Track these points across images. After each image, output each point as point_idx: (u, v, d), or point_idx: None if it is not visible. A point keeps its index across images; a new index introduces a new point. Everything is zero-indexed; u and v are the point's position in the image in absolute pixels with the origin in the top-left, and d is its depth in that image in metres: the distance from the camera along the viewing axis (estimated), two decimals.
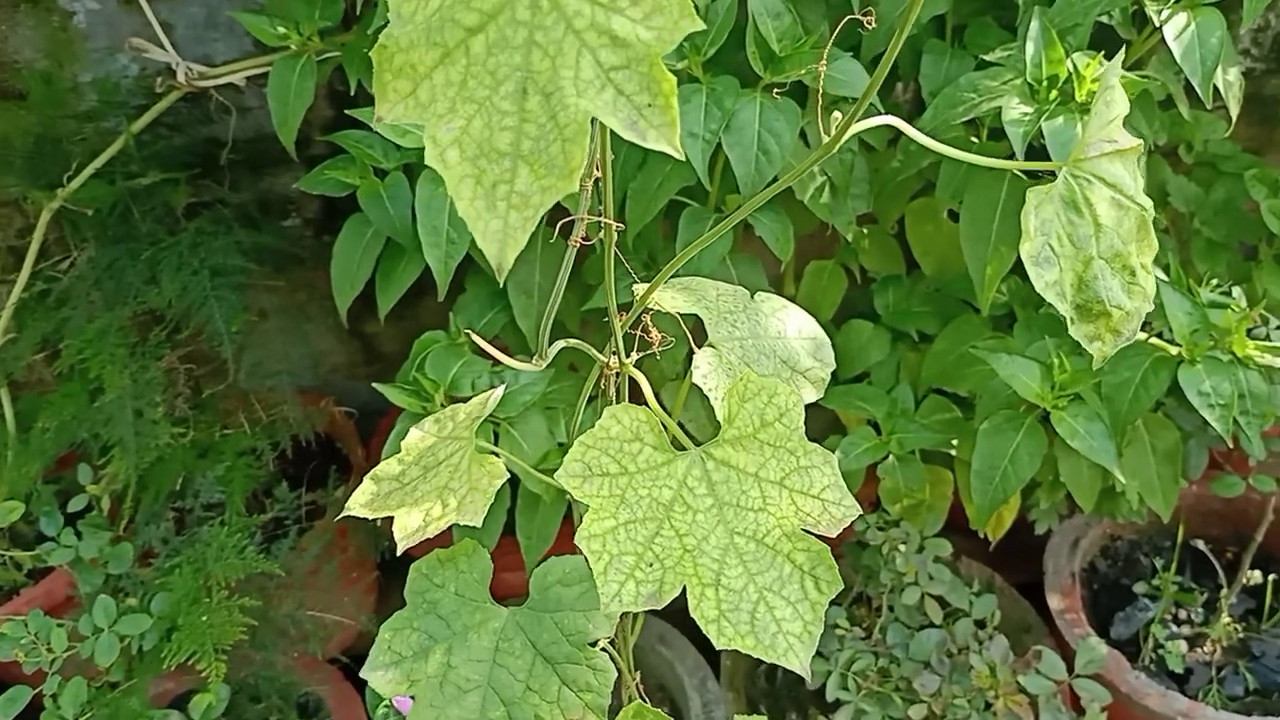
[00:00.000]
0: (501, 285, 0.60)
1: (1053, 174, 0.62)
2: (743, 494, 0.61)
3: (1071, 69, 1.15)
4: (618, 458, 0.61)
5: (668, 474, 0.61)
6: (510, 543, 1.41)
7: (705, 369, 0.70)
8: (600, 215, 0.63)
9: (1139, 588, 1.72)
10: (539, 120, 0.44)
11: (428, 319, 1.66)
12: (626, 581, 0.58)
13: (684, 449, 0.63)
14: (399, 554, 0.77)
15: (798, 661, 0.57)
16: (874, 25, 0.62)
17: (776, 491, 0.61)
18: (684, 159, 0.42)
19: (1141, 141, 0.62)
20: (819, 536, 0.60)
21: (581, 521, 0.61)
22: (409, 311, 1.42)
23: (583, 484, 0.59)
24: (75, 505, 1.52)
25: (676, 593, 0.59)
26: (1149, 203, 0.61)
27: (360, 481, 1.73)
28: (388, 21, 1.21)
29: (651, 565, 0.58)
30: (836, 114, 0.61)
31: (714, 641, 0.58)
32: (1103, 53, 1.16)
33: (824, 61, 0.67)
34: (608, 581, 0.57)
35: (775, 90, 1.21)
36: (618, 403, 0.77)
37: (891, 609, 1.50)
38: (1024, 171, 1.26)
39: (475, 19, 0.44)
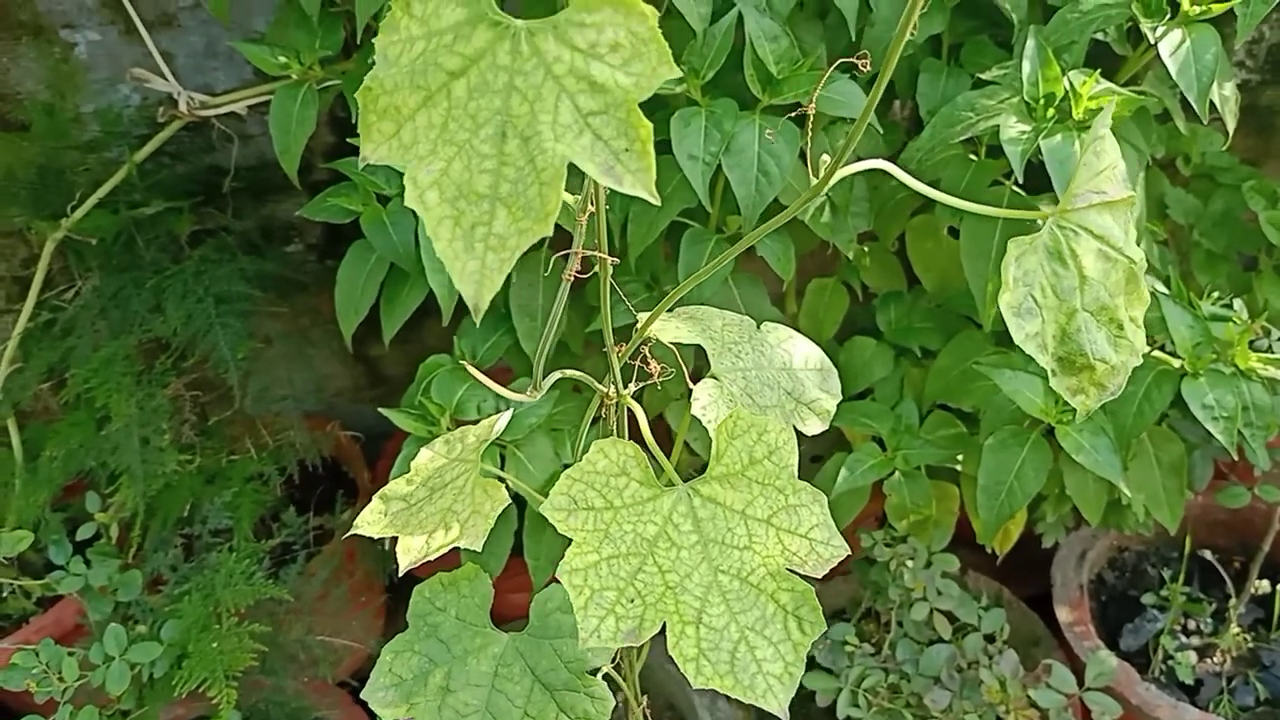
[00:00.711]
0: (478, 321, 0.60)
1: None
2: (728, 531, 0.61)
3: (1068, 87, 1.15)
4: (603, 492, 0.61)
5: (653, 509, 0.61)
6: (518, 564, 1.41)
7: (705, 400, 0.70)
8: (596, 247, 0.64)
9: (1147, 599, 1.71)
10: (517, 164, 0.44)
11: (431, 342, 1.66)
12: (606, 617, 0.58)
13: (672, 485, 0.63)
14: (400, 575, 0.77)
15: (776, 703, 0.57)
16: (868, 68, 0.62)
17: (763, 530, 0.61)
18: (658, 203, 0.43)
19: (1134, 194, 0.61)
20: (804, 577, 0.60)
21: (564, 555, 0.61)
22: (412, 334, 1.43)
23: (568, 517, 0.59)
24: (84, 533, 1.53)
25: (656, 630, 0.58)
26: (1140, 255, 0.61)
27: (366, 505, 1.73)
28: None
29: (633, 601, 0.58)
30: (825, 156, 0.60)
31: (691, 680, 0.57)
32: (1099, 71, 1.16)
33: (819, 86, 0.67)
34: (588, 617, 0.57)
35: (780, 115, 1.21)
36: (618, 432, 0.77)
37: (900, 624, 1.49)
38: (1023, 189, 1.27)
39: (457, 63, 0.45)
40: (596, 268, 0.68)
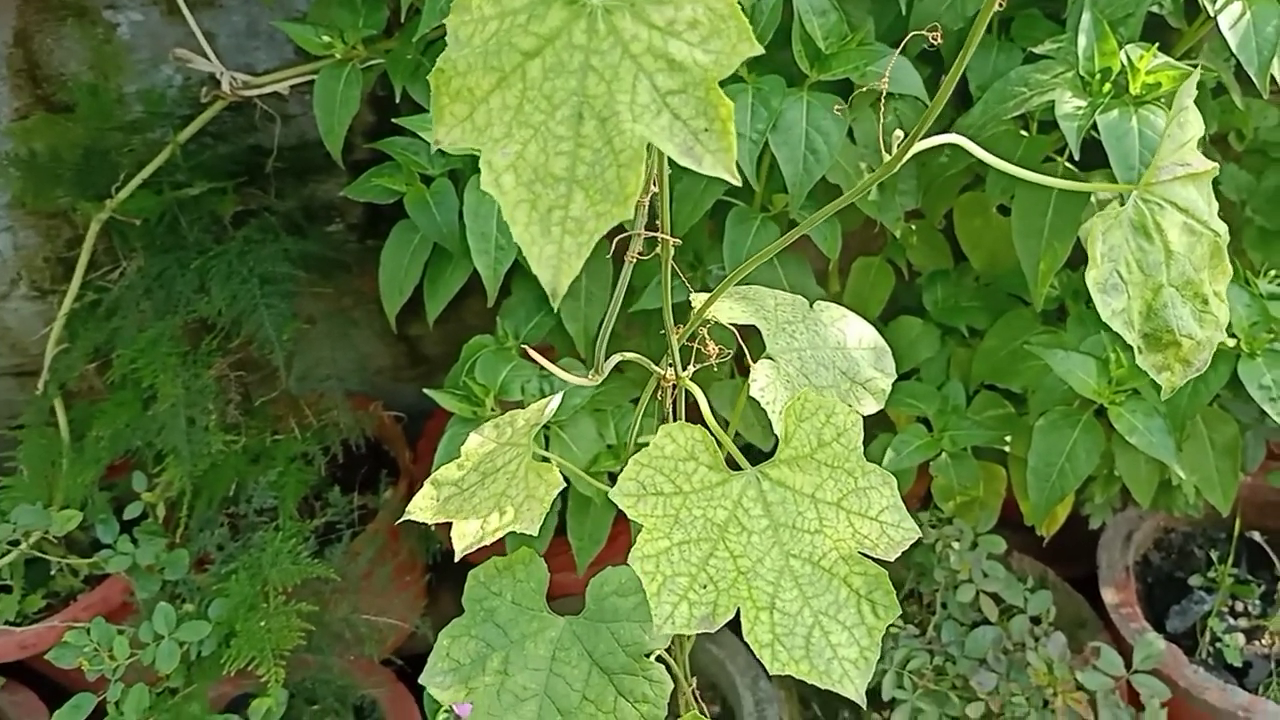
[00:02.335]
0: (556, 309, 0.60)
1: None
2: (799, 515, 0.60)
3: (1125, 61, 1.13)
4: (672, 477, 0.60)
5: (723, 494, 0.61)
6: (560, 543, 1.41)
7: (763, 381, 0.70)
8: (656, 229, 0.63)
9: (1194, 580, 1.69)
10: (594, 145, 0.44)
11: (471, 321, 1.66)
12: (680, 603, 0.57)
13: (739, 468, 0.62)
14: (456, 560, 0.77)
15: (853, 688, 0.57)
16: (939, 41, 0.60)
17: (833, 513, 0.60)
18: (739, 182, 0.42)
19: (1217, 165, 0.60)
20: (876, 560, 0.59)
21: (635, 538, 0.60)
22: (453, 314, 1.42)
23: (637, 503, 0.59)
24: (130, 512, 1.54)
25: (730, 615, 0.58)
26: (1223, 228, 0.59)
27: (409, 484, 1.74)
28: (432, 29, 1.20)
29: (705, 587, 0.58)
30: (899, 132, 0.59)
31: (768, 667, 0.57)
32: (1156, 45, 1.14)
33: (885, 81, 0.66)
34: (661, 603, 0.57)
35: (828, 92, 1.19)
36: (674, 415, 0.77)
37: (945, 606, 1.48)
38: (1077, 165, 1.24)
39: (532, 43, 0.44)
40: (653, 253, 0.67)
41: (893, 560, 0.59)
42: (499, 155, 0.44)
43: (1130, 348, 1.26)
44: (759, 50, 0.42)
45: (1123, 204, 0.59)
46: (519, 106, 0.45)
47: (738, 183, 0.41)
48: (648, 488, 0.59)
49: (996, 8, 0.50)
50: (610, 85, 0.43)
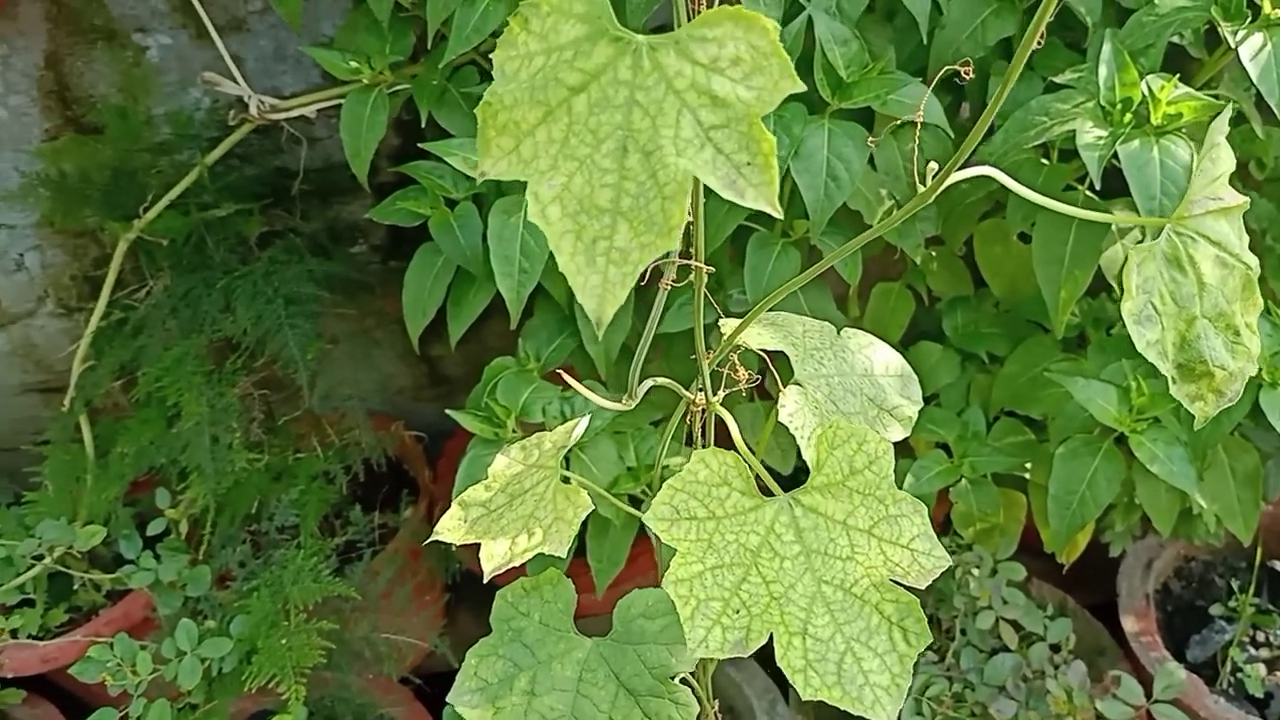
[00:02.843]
0: (601, 335, 0.61)
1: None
2: (831, 542, 0.61)
3: (1146, 91, 1.14)
4: (705, 502, 0.61)
5: (755, 520, 0.61)
6: (579, 565, 1.42)
7: (792, 407, 0.70)
8: (687, 256, 0.64)
9: (1215, 609, 1.69)
10: (639, 178, 0.45)
11: (492, 342, 1.67)
12: (713, 627, 0.58)
13: (770, 493, 0.63)
14: (485, 581, 0.78)
15: (885, 715, 0.57)
16: (970, 75, 0.61)
17: (865, 540, 0.61)
18: (780, 215, 0.43)
19: (1248, 200, 0.60)
20: (907, 588, 0.60)
21: (669, 563, 0.61)
22: (473, 335, 1.44)
23: (670, 527, 0.60)
24: (154, 528, 1.55)
25: (763, 640, 0.58)
26: (1255, 260, 0.60)
27: (429, 504, 1.75)
28: (458, 55, 1.22)
29: (738, 612, 0.58)
30: (933, 164, 0.60)
31: (800, 691, 0.57)
32: (1177, 76, 1.14)
33: (920, 113, 0.67)
34: (695, 627, 0.58)
35: (849, 120, 1.20)
36: (703, 439, 0.77)
37: (964, 633, 1.48)
38: (1097, 193, 1.25)
39: (578, 78, 0.45)
40: (685, 280, 0.68)
41: (924, 588, 0.59)
42: (545, 187, 0.45)
43: (1151, 376, 1.26)
44: (801, 87, 0.43)
45: (1152, 237, 0.59)
46: (565, 140, 0.46)
47: (780, 215, 0.42)
48: (682, 512, 0.60)
49: (1035, 46, 0.51)
50: (655, 120, 0.44)
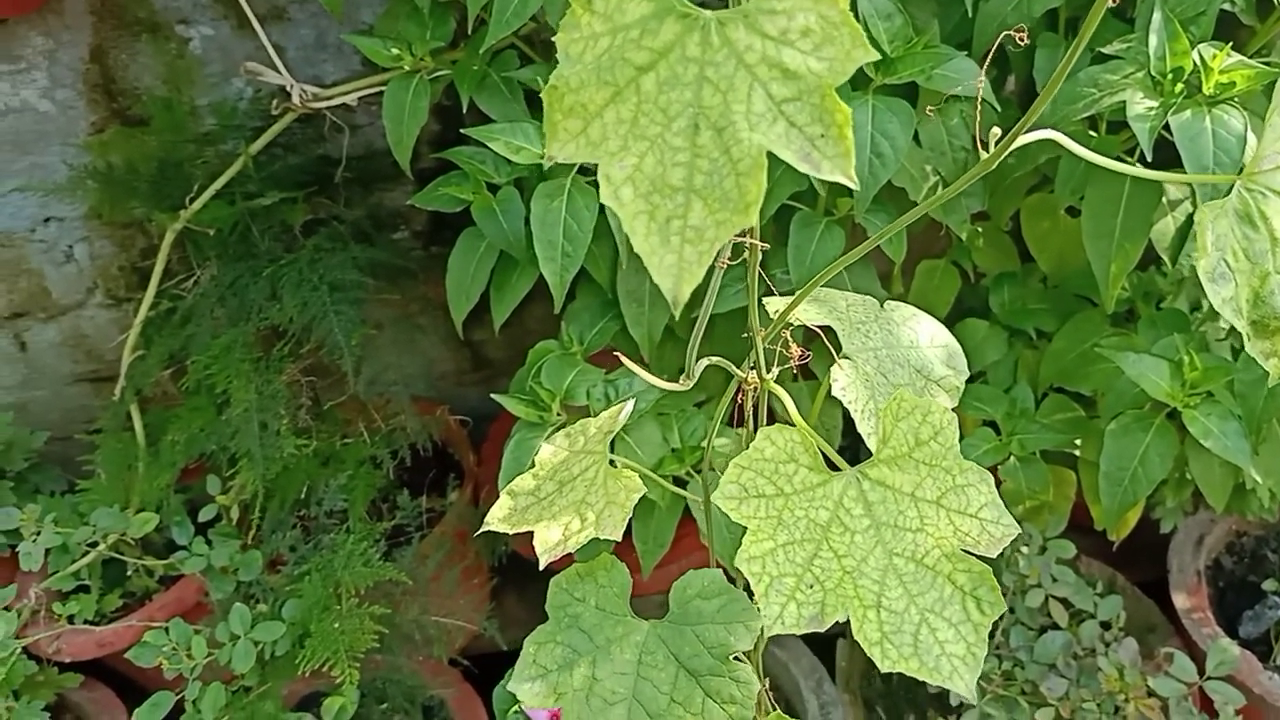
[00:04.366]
0: (678, 315, 0.62)
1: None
2: (900, 514, 0.61)
3: (1197, 60, 1.12)
4: (773, 479, 0.61)
5: (824, 495, 0.61)
6: (622, 546, 1.42)
7: (844, 381, 0.70)
8: (742, 235, 0.63)
9: (1268, 585, 1.67)
10: (711, 155, 0.44)
11: (533, 325, 1.68)
12: (788, 604, 0.58)
13: (838, 469, 0.63)
14: (541, 568, 0.78)
15: (963, 684, 0.57)
16: (1024, 41, 0.61)
17: (934, 511, 0.61)
18: (857, 186, 0.42)
19: None
20: (979, 557, 0.60)
21: (714, 542, 0.61)
22: (514, 319, 1.44)
23: (739, 505, 0.60)
24: (205, 515, 1.57)
25: (839, 615, 0.58)
26: None
27: (474, 487, 1.76)
28: (498, 40, 1.21)
29: (812, 587, 0.58)
30: (995, 129, 0.60)
31: (878, 664, 0.57)
32: (1230, 44, 1.13)
33: (980, 92, 0.66)
34: (769, 604, 0.58)
35: (893, 95, 1.19)
36: (755, 418, 0.77)
37: (1013, 611, 1.48)
38: (1147, 166, 1.23)
39: (646, 57, 0.45)
40: (741, 259, 0.68)
41: (994, 556, 0.59)
42: (616, 168, 0.45)
43: (1203, 350, 1.25)
44: (874, 56, 0.43)
45: (1222, 196, 0.59)
46: (634, 120, 0.46)
47: (857, 187, 0.42)
48: (750, 490, 0.60)
49: (1111, 3, 0.50)
50: (725, 96, 0.44)
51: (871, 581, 0.59)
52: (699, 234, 0.44)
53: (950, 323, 1.53)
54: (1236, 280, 0.58)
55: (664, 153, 0.45)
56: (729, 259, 0.66)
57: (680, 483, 1.35)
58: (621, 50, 0.46)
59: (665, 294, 0.44)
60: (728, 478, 0.60)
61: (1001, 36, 0.68)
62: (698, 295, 0.77)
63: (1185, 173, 1.12)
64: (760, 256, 0.66)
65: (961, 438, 1.43)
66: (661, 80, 0.45)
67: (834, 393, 0.71)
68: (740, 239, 0.65)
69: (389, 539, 1.59)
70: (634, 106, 0.45)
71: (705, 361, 0.70)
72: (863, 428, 0.70)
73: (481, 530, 0.80)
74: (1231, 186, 0.58)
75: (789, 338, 0.76)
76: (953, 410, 1.46)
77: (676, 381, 0.70)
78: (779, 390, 0.72)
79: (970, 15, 1.27)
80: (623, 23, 0.46)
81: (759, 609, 0.57)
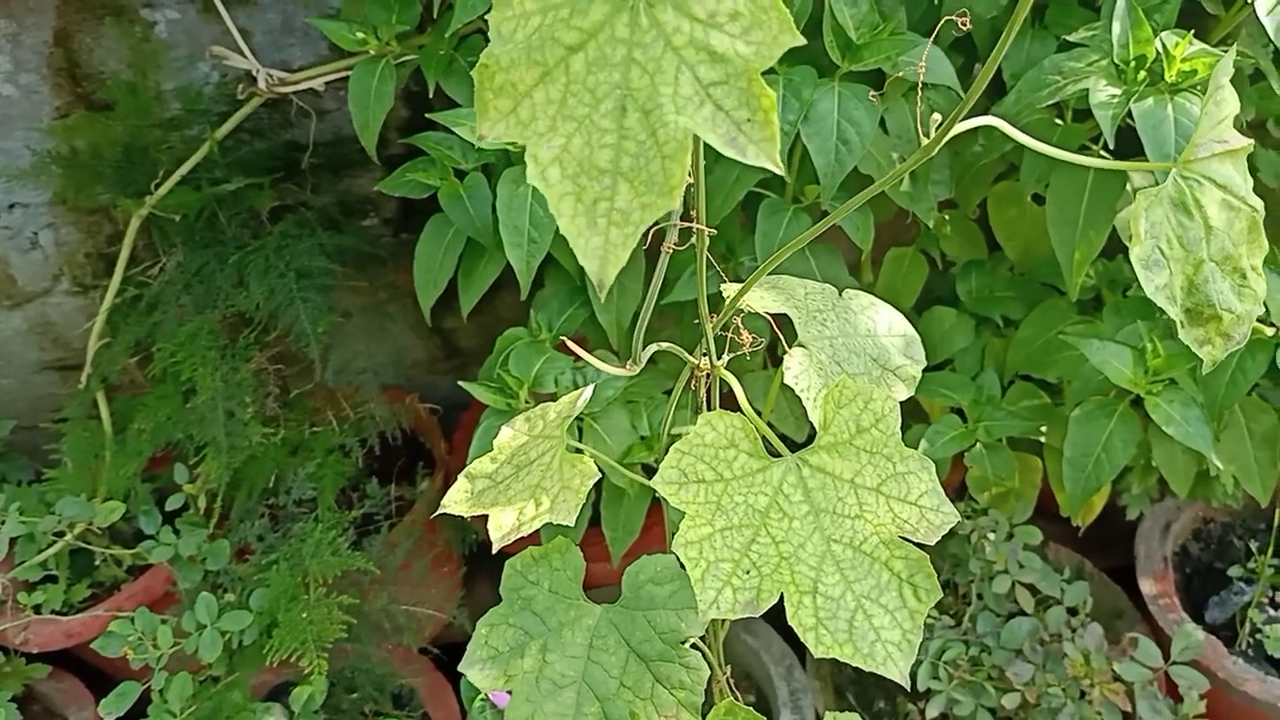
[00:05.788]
0: (600, 299, 0.62)
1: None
2: (839, 501, 0.61)
3: (1160, 49, 1.12)
4: (713, 464, 0.61)
5: (763, 481, 0.61)
6: (594, 534, 1.42)
7: (797, 369, 0.70)
8: (690, 220, 0.63)
9: (1234, 571, 1.68)
10: (638, 137, 0.44)
11: (505, 313, 1.67)
12: (724, 588, 0.58)
13: (778, 455, 0.63)
14: (494, 552, 0.78)
15: (897, 670, 0.57)
16: (968, 27, 0.60)
17: (873, 498, 0.61)
18: (782, 172, 0.42)
19: (1253, 142, 0.60)
20: (917, 544, 0.60)
21: (677, 527, 0.61)
22: (486, 306, 1.44)
23: (679, 490, 0.60)
24: (172, 504, 1.57)
25: (774, 600, 0.58)
26: (1260, 204, 0.60)
27: (445, 476, 1.75)
28: (464, 24, 1.21)
29: (748, 572, 0.58)
30: (936, 115, 0.59)
31: (811, 649, 0.57)
32: (1192, 32, 1.13)
33: (922, 66, 0.66)
34: (705, 588, 0.58)
35: (859, 82, 1.19)
36: (708, 404, 0.77)
37: (980, 597, 1.48)
38: (1112, 154, 1.23)
39: (575, 37, 0.45)
40: (688, 244, 0.68)
41: (933, 544, 0.59)
42: (544, 149, 0.45)
43: (1167, 338, 1.25)
44: (800, 41, 0.42)
45: (1159, 182, 0.59)
46: (563, 100, 0.45)
47: (781, 172, 0.42)
48: (689, 475, 0.60)
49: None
50: (653, 78, 0.44)
51: (808, 567, 0.59)
52: (625, 217, 0.43)
53: (918, 310, 1.54)
54: (1170, 268, 0.58)
55: (591, 134, 0.44)
56: (678, 244, 0.66)
57: (650, 470, 1.35)
58: (552, 29, 0.45)
59: (591, 276, 0.43)
60: (667, 463, 0.60)
61: (948, 18, 0.68)
62: (665, 282, 0.77)
63: (1147, 160, 1.12)
64: (708, 242, 0.66)
65: (928, 425, 1.43)
66: (590, 61, 0.45)
67: (786, 380, 0.71)
68: (688, 224, 0.64)
69: (358, 528, 1.58)
70: (563, 87, 0.45)
71: (654, 347, 0.70)
72: (814, 416, 0.70)
73: (438, 512, 0.80)
74: (1168, 174, 0.58)
75: (740, 324, 0.75)
76: (919, 397, 1.46)
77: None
78: (729, 377, 0.72)
79: (936, 3, 1.26)
80: (553, 2, 0.46)
81: (695, 593, 0.57)
